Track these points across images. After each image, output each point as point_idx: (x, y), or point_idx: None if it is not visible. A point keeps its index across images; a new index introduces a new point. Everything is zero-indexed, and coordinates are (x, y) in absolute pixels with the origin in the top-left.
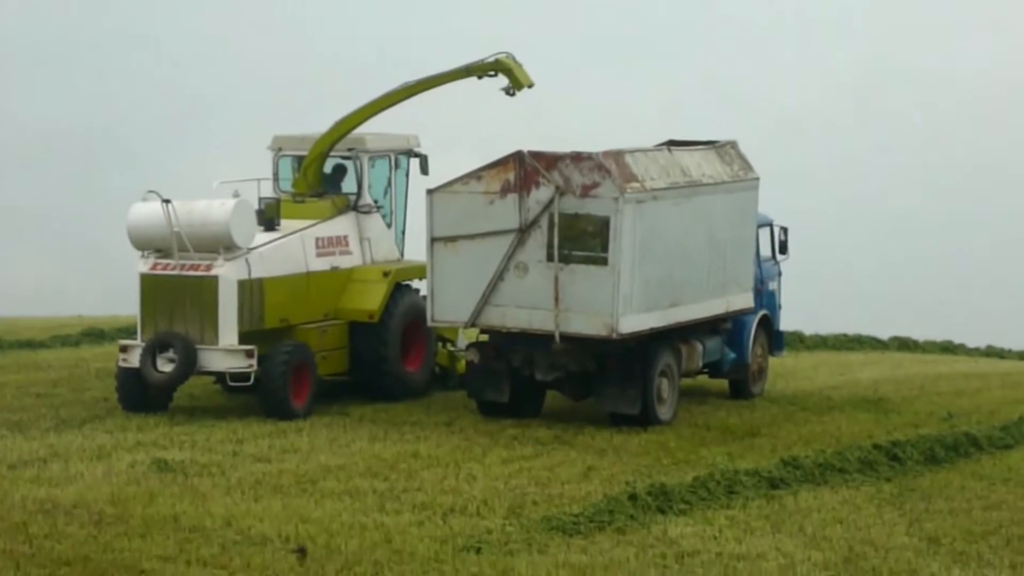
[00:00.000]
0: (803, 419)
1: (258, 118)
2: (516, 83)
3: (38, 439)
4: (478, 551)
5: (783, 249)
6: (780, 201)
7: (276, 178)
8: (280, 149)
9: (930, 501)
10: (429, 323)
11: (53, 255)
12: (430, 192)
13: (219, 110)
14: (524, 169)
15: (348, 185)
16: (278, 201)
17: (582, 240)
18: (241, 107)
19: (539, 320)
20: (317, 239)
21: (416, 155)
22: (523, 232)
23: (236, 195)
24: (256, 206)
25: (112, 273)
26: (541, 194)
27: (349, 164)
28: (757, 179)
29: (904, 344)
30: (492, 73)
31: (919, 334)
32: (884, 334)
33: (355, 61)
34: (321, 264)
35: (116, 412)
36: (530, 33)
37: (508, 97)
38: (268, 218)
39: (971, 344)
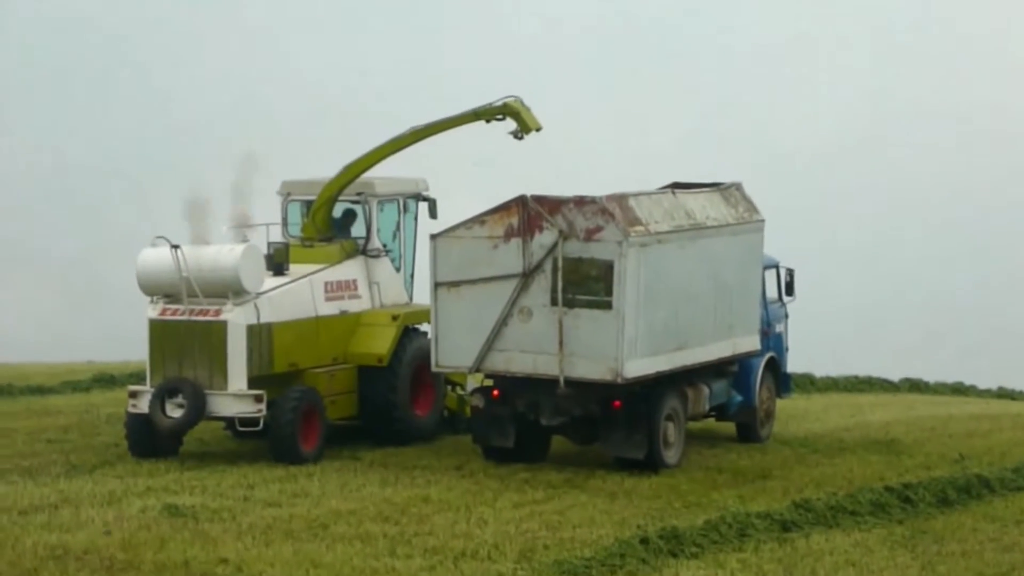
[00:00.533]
0: (814, 461)
1: (267, 162)
2: (524, 127)
3: (49, 485)
4: None
5: (789, 291)
6: (788, 242)
7: (285, 223)
8: (289, 194)
9: (942, 544)
10: (434, 368)
11: (61, 298)
12: (434, 237)
13: (227, 153)
14: (527, 213)
15: (357, 229)
16: (287, 246)
17: (586, 284)
18: (247, 149)
19: (544, 365)
20: (326, 283)
21: (425, 199)
22: (527, 276)
23: (245, 240)
24: (265, 251)
25: (122, 317)
26: (545, 238)
27: (358, 208)
28: (762, 221)
29: (915, 386)
30: (500, 117)
31: (930, 376)
32: (895, 376)
33: (363, 105)
34: (330, 308)
35: (127, 457)
36: (535, 75)
37: (516, 140)
38: (277, 263)
39: (982, 386)
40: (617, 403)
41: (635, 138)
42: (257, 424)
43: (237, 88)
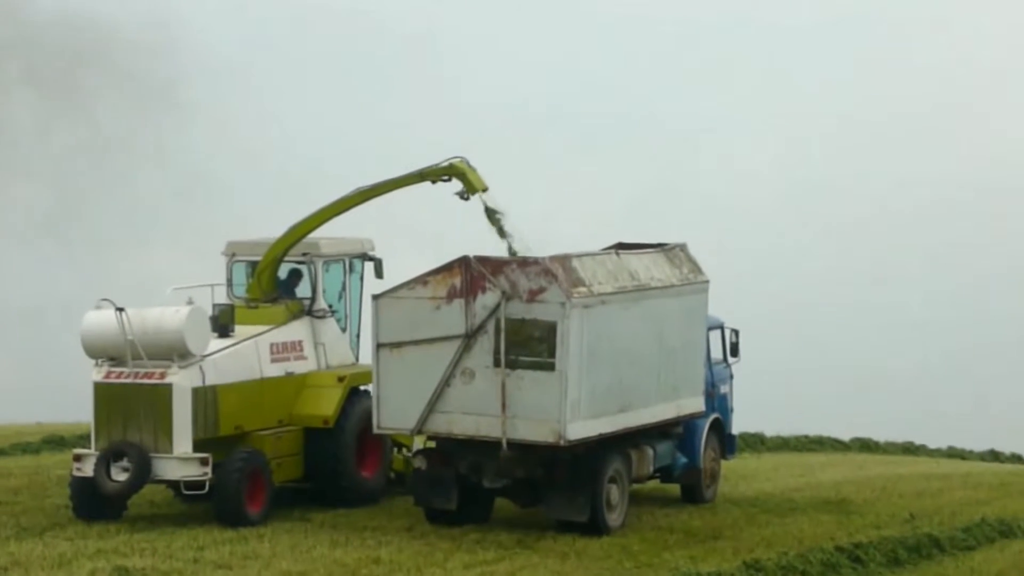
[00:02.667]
0: (765, 521)
1: (209, 222)
2: (470, 187)
3: None
4: None
5: (734, 352)
6: (738, 303)
7: (230, 283)
8: (234, 255)
9: None
10: (376, 430)
11: (7, 357)
12: (376, 297)
13: (169, 213)
14: (470, 274)
15: (303, 290)
16: (232, 307)
17: (529, 345)
18: (191, 211)
19: (486, 427)
20: (272, 344)
21: (371, 259)
22: (470, 337)
23: (190, 302)
24: (210, 312)
25: (70, 377)
26: (487, 299)
27: (304, 268)
28: (707, 282)
29: (866, 445)
30: (446, 178)
31: (880, 435)
32: (846, 435)
33: (308, 166)
34: (276, 370)
35: (77, 520)
36: (482, 138)
37: (463, 201)
38: (222, 324)
39: (932, 445)
40: (559, 466)
41: (585, 200)
42: (203, 487)
43: (178, 149)
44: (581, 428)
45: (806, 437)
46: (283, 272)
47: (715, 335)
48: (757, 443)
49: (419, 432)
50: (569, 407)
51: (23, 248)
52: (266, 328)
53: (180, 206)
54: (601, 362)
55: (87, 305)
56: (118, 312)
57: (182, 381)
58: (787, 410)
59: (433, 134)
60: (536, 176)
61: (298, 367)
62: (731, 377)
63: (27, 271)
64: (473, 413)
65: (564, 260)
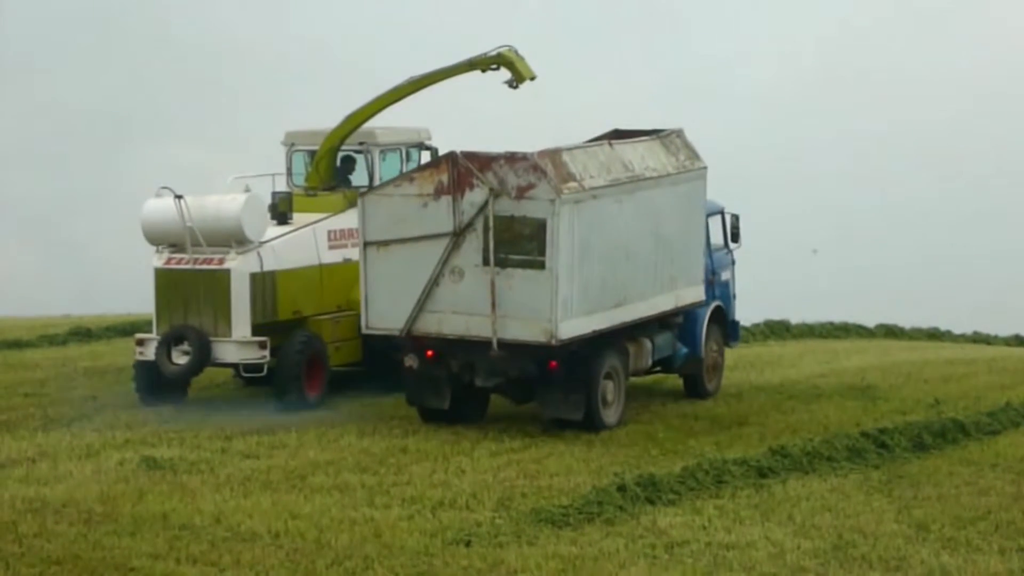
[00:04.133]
0: (791, 408)
1: (270, 113)
2: (519, 76)
3: (27, 438)
4: (468, 544)
5: (735, 237)
6: (765, 193)
7: (290, 173)
8: (293, 144)
9: (918, 488)
10: (364, 330)
11: (36, 253)
12: (362, 195)
13: (231, 103)
14: (458, 171)
15: (360, 178)
16: (290, 195)
17: (518, 243)
18: (252, 102)
19: (476, 326)
20: (329, 232)
21: (427, 148)
22: (458, 236)
23: (247, 190)
24: (269, 200)
25: (98, 271)
26: (475, 196)
27: (361, 157)
28: (705, 168)
29: (891, 331)
30: (495, 67)
31: (906, 321)
32: (871, 322)
33: (362, 58)
34: (333, 256)
35: (104, 410)
36: (526, 26)
37: (511, 90)
38: (281, 212)
39: (957, 331)
40: (553, 364)
41: (618, 88)
42: (261, 370)
43: (241, 42)
44: (573, 326)
45: (831, 324)
46: (341, 161)
47: (715, 221)
48: (782, 330)
49: (408, 332)
50: (560, 306)
51: (52, 138)
52: (324, 216)
53: (231, 98)
54: (594, 258)
55: (113, 198)
56: (177, 200)
57: (240, 267)
58: (812, 298)
59: (472, 27)
60: (577, 62)
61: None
62: (733, 263)
63: (53, 162)
64: (463, 313)
65: (554, 154)
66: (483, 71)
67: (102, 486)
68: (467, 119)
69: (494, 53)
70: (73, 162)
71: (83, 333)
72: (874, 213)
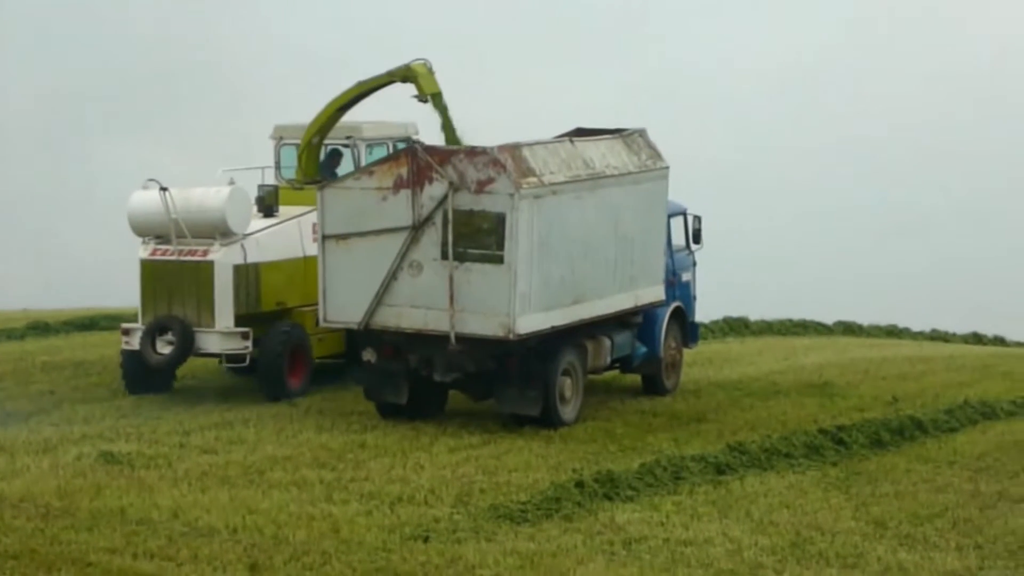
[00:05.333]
0: (749, 404)
1: (260, 105)
2: (421, 90)
3: None
4: (426, 540)
5: (696, 238)
6: (721, 186)
7: (278, 166)
8: (281, 138)
9: (876, 485)
10: (321, 323)
11: None
12: (321, 188)
13: (220, 96)
14: (417, 164)
15: (347, 172)
16: (276, 188)
17: (477, 238)
18: (244, 94)
19: (434, 320)
20: (314, 224)
21: (416, 142)
22: (417, 229)
23: (231, 183)
24: (257, 194)
25: (56, 264)
26: (435, 190)
27: (347, 151)
28: (667, 168)
29: (849, 328)
30: (403, 79)
31: (864, 318)
32: (829, 319)
33: (350, 55)
34: (318, 249)
35: (61, 405)
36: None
37: (421, 103)
38: (267, 205)
39: (916, 328)
40: (511, 360)
41: (580, 97)
42: (244, 360)
43: (229, 40)
44: (531, 321)
45: (790, 321)
46: (327, 155)
47: (677, 222)
48: (741, 327)
49: (366, 326)
50: (518, 300)
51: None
52: (309, 209)
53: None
54: (553, 254)
55: (71, 192)
56: (162, 192)
57: (223, 258)
58: (771, 295)
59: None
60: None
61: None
62: (694, 264)
63: (11, 154)
64: (421, 307)
65: (514, 149)
66: (402, 82)
67: (59, 481)
68: (465, 117)
69: (403, 66)
70: (31, 156)
71: (41, 327)
72: (835, 214)
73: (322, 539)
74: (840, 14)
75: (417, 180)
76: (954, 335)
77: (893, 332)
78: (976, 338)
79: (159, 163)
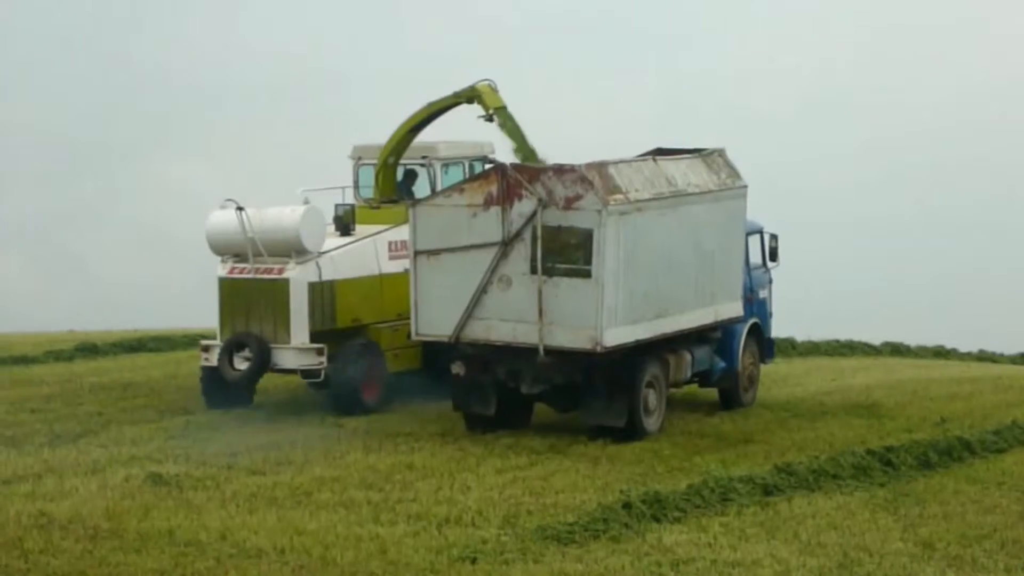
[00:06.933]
0: (796, 425)
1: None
2: (485, 107)
3: (32, 454)
4: (474, 561)
5: (773, 256)
6: (769, 209)
7: (356, 186)
8: (360, 158)
9: (924, 506)
10: (414, 337)
11: (37, 269)
12: (412, 206)
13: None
14: (507, 182)
15: (423, 191)
16: (353, 208)
17: (565, 253)
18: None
19: (523, 333)
20: (390, 243)
21: (491, 162)
22: (506, 245)
23: (306, 202)
24: (335, 213)
25: (100, 285)
26: (524, 207)
27: (423, 171)
28: (745, 187)
29: (896, 349)
30: (469, 100)
31: (911, 339)
32: (877, 339)
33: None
34: (394, 267)
35: (110, 426)
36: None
37: (488, 123)
38: (344, 223)
39: (963, 349)
40: (597, 372)
41: (617, 110)
42: (318, 376)
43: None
44: (617, 334)
45: (837, 342)
46: (404, 175)
47: (754, 240)
48: (788, 348)
49: (457, 339)
50: (605, 314)
51: (47, 153)
52: (385, 227)
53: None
54: (637, 269)
55: (105, 212)
56: (238, 211)
57: (299, 276)
58: (818, 315)
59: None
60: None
61: None
62: (770, 282)
63: (49, 177)
64: (510, 320)
65: (600, 167)
66: (468, 102)
67: (108, 502)
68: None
69: (468, 87)
70: (70, 180)
71: (89, 349)
72: (879, 228)
73: (369, 560)
74: (873, 22)
75: (507, 197)
76: (1002, 355)
77: (940, 352)
78: None
79: (236, 185)
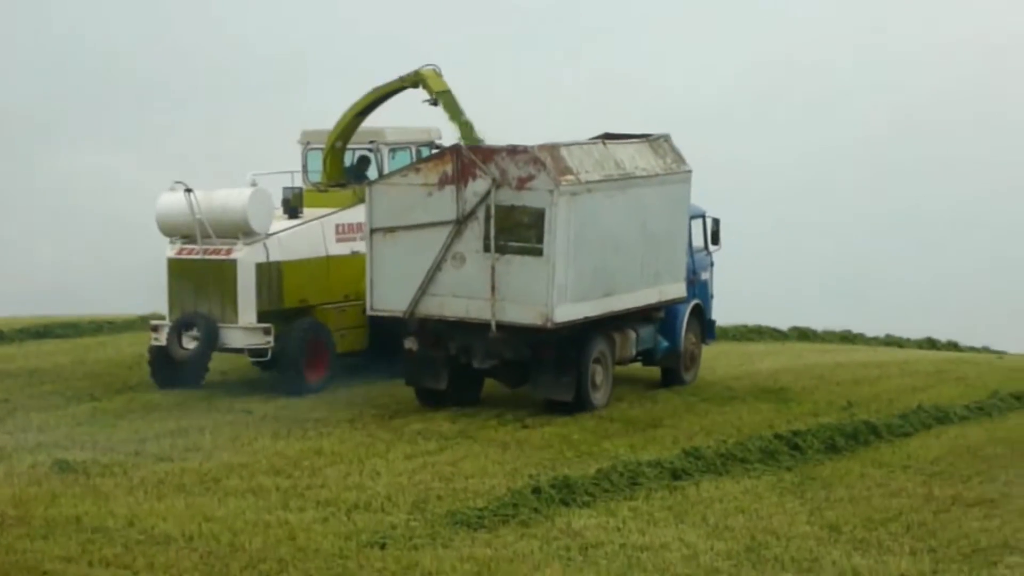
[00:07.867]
0: (704, 410)
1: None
2: (430, 91)
3: None
4: (383, 547)
5: (715, 240)
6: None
7: (305, 170)
8: (308, 143)
9: (831, 489)
10: (369, 312)
11: None
12: (369, 184)
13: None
14: (461, 162)
15: (372, 175)
16: (301, 191)
17: (518, 231)
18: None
19: (476, 309)
20: (337, 225)
21: (438, 147)
22: (460, 223)
23: (253, 184)
24: (283, 196)
25: (9, 273)
26: (478, 186)
27: (371, 155)
28: (690, 171)
29: (804, 334)
30: (413, 85)
31: (819, 324)
32: (784, 325)
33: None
34: (341, 249)
35: (16, 413)
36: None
37: (432, 107)
38: (292, 206)
39: (870, 334)
40: (546, 348)
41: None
42: (265, 355)
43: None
44: (567, 311)
45: (745, 327)
46: (357, 160)
47: (697, 224)
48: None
49: (411, 314)
50: (556, 291)
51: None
52: (332, 210)
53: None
54: (587, 248)
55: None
56: (187, 193)
57: (246, 257)
58: (726, 300)
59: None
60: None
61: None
62: (712, 265)
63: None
64: (463, 296)
65: (553, 149)
66: (413, 87)
67: (14, 489)
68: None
69: (412, 71)
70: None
71: None
72: (788, 212)
73: (278, 546)
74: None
75: (461, 177)
76: (908, 340)
77: (847, 338)
78: (930, 343)
79: (189, 168)
